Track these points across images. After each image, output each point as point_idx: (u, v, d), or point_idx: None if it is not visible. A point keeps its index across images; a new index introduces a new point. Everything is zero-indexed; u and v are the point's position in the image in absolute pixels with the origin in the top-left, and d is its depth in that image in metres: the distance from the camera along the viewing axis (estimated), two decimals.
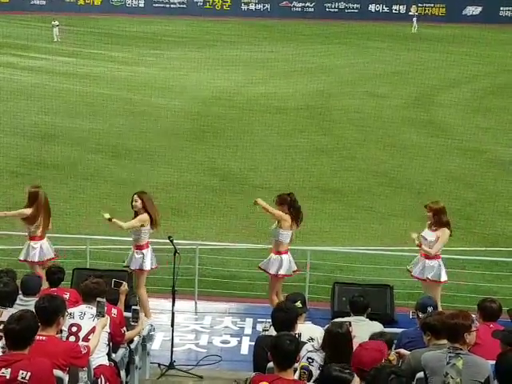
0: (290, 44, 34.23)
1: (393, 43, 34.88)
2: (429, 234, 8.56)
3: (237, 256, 11.16)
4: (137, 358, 6.84)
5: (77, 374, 5.48)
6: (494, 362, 4.96)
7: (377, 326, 6.57)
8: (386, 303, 9.10)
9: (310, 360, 5.21)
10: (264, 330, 6.69)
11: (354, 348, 5.23)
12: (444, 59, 27.33)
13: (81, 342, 5.73)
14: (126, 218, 8.83)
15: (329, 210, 13.76)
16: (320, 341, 5.96)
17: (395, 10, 47.92)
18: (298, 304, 6.13)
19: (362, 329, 6.41)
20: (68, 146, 17.79)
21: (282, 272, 8.67)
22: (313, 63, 29.35)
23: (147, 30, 38.65)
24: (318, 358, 5.26)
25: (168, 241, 8.01)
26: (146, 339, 7.36)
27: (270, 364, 5.09)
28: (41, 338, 5.17)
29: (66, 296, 6.74)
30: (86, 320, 5.95)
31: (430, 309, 6.48)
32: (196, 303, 9.62)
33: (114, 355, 6.23)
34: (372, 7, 48.00)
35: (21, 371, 4.74)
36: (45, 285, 7.24)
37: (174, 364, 7.71)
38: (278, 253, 8.67)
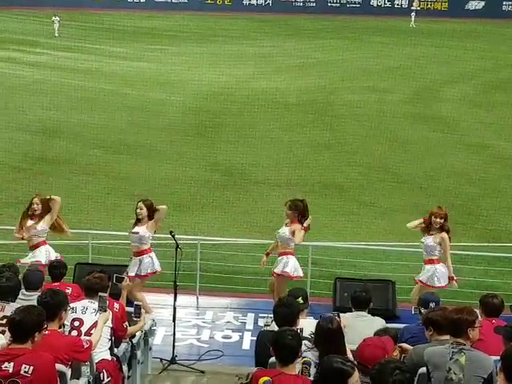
0: (291, 39, 34.20)
1: (395, 38, 34.79)
2: (428, 240, 8.59)
3: (238, 251, 11.16)
4: (139, 353, 6.85)
5: (79, 368, 5.49)
6: (496, 357, 4.96)
7: (379, 322, 6.57)
8: (388, 299, 9.09)
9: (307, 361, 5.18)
10: (266, 325, 6.68)
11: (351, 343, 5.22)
12: (446, 54, 27.29)
13: (83, 337, 5.74)
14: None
15: (330, 205, 13.76)
16: None
17: (397, 4, 47.80)
18: (300, 300, 6.13)
19: (364, 324, 6.41)
20: (70, 141, 17.80)
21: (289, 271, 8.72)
22: (314, 58, 29.30)
23: (148, 25, 38.60)
24: (313, 356, 5.24)
25: (170, 236, 8.01)
26: (148, 334, 7.37)
27: (272, 359, 5.09)
28: (44, 332, 5.18)
29: (68, 291, 6.75)
30: (88, 315, 5.96)
31: (432, 304, 6.47)
32: (198, 298, 9.62)
33: (116, 350, 6.24)
34: (374, 2, 47.89)
35: (23, 365, 4.75)
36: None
37: (176, 359, 7.71)
38: (286, 254, 8.75)
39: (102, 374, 5.79)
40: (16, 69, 26.12)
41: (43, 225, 8.72)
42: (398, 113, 21.02)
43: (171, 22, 41.04)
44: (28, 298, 6.26)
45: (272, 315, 5.86)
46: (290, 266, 8.71)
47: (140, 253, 8.70)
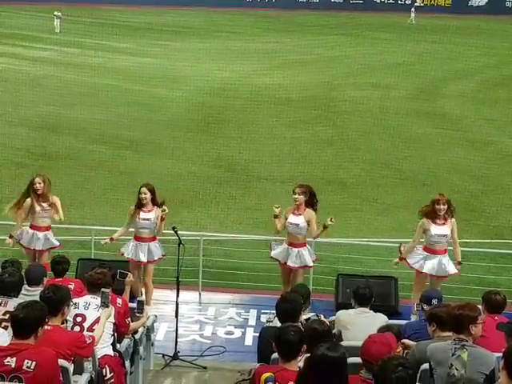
0: (294, 35, 34.16)
1: (398, 34, 34.69)
2: (443, 229, 8.47)
3: (241, 247, 11.16)
4: (141, 349, 6.87)
5: (81, 363, 5.49)
6: (498, 354, 4.94)
7: (381, 318, 6.57)
8: (391, 295, 9.10)
9: None
10: (268, 321, 6.69)
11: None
12: (450, 50, 27.22)
13: (85, 332, 5.74)
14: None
15: (333, 201, 13.74)
16: None
17: (400, 0, 47.67)
18: (300, 300, 6.09)
19: (367, 321, 6.41)
20: (73, 136, 17.81)
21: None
22: (317, 54, 29.25)
23: (151, 21, 38.54)
24: None
25: (172, 232, 8.01)
26: (151, 330, 7.38)
27: (275, 355, 5.09)
28: (46, 327, 5.18)
29: (71, 286, 6.77)
30: (90, 310, 5.97)
31: (434, 301, 6.47)
32: (200, 294, 9.63)
33: (118, 345, 6.24)
34: None
35: (26, 360, 4.76)
36: None
37: (178, 355, 7.72)
38: (301, 245, 8.66)
39: (104, 370, 5.80)
40: (19, 64, 26.12)
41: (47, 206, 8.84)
42: (401, 109, 20.97)
43: (175, 17, 41.00)
44: (31, 294, 6.27)
45: (274, 311, 5.86)
46: (307, 256, 8.63)
47: (150, 239, 8.76)
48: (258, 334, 6.23)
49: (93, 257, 9.80)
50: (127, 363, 6.40)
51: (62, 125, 18.58)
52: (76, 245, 10.59)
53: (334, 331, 6.43)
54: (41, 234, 8.91)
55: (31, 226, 8.97)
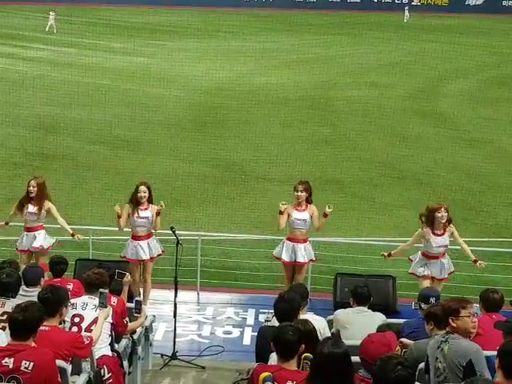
0: (291, 34, 34.14)
1: (395, 33, 34.70)
2: (443, 240, 8.45)
3: (239, 247, 11.16)
4: (139, 349, 6.86)
5: (80, 364, 5.49)
6: (495, 352, 4.93)
7: (379, 317, 6.57)
8: (389, 294, 9.10)
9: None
10: (266, 321, 6.69)
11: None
12: (447, 49, 27.22)
13: (83, 333, 5.74)
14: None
15: (331, 200, 13.71)
16: (322, 331, 5.96)
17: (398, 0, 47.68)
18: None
19: (365, 319, 6.41)
20: (70, 136, 17.78)
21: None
22: (315, 53, 29.26)
23: (147, 21, 38.45)
24: None
25: (170, 231, 8.00)
26: (149, 330, 7.37)
27: (273, 355, 5.08)
28: (44, 328, 5.18)
29: (69, 286, 6.76)
30: (88, 311, 5.96)
31: (432, 299, 6.47)
32: (198, 294, 9.63)
33: (116, 346, 6.24)
34: None
35: (23, 361, 4.75)
36: None
37: (177, 354, 7.72)
38: (304, 241, 8.77)
39: (102, 370, 5.79)
40: (15, 64, 26.07)
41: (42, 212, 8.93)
42: (398, 108, 20.98)
43: (171, 17, 40.91)
44: (29, 294, 6.25)
45: (273, 311, 5.86)
46: (311, 251, 8.77)
47: (148, 236, 8.78)
48: (256, 334, 6.23)
49: (91, 257, 9.79)
50: (125, 363, 6.39)
51: (59, 125, 18.57)
52: (74, 245, 10.57)
53: (332, 330, 6.44)
54: (30, 234, 9.02)
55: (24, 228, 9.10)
